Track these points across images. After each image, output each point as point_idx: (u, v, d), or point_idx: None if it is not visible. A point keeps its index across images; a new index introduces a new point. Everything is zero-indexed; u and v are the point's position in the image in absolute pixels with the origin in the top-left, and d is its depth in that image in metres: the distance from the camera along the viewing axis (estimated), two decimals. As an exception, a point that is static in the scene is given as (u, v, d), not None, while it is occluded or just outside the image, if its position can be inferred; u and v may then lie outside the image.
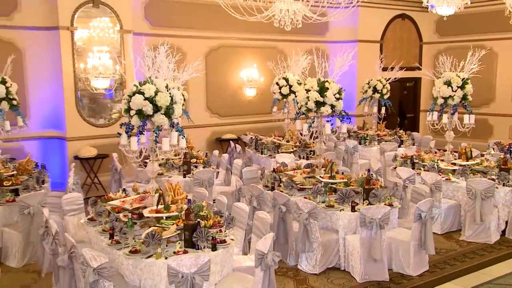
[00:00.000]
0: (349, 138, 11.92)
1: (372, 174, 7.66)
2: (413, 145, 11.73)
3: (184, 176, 8.66)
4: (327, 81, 7.60)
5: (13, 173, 7.90)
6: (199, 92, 12.86)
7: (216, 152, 10.26)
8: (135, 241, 5.37)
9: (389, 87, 12.36)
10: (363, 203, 6.85)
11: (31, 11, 10.44)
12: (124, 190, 6.80)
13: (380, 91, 12.11)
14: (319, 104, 7.50)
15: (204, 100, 12.98)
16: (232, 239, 5.70)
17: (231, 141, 11.75)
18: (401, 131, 12.28)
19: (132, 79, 10.37)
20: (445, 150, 9.48)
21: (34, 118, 10.67)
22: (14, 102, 8.08)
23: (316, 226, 6.61)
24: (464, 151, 8.85)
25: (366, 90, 12.31)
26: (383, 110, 12.58)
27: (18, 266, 6.97)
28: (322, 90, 7.50)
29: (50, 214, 6.91)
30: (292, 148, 10.57)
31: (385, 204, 6.82)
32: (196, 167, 8.99)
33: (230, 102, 13.30)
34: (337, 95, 7.55)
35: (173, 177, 8.65)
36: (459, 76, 8.53)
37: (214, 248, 5.34)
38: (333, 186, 7.33)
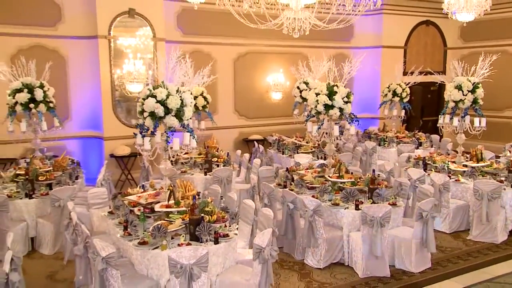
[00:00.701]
0: (370, 140, 11.74)
1: (379, 174, 7.53)
2: (431, 147, 11.39)
3: (205, 174, 8.71)
4: (336, 85, 7.49)
5: (49, 169, 8.15)
6: (228, 95, 12.93)
7: (239, 152, 10.28)
8: (144, 233, 5.45)
9: (408, 91, 12.06)
10: (367, 202, 6.74)
11: (74, 22, 10.75)
12: (142, 186, 6.92)
13: (399, 95, 11.82)
14: (328, 107, 7.42)
15: (232, 103, 13.04)
16: (236, 234, 5.69)
17: (255, 142, 11.74)
18: (420, 133, 11.96)
19: (165, 82, 10.53)
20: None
21: (75, 119, 11.01)
22: (51, 105, 8.29)
23: (320, 223, 6.54)
24: (475, 153, 8.54)
25: (386, 94, 12.04)
26: (402, 113, 12.30)
27: (49, 254, 7.19)
28: (331, 94, 7.41)
29: (79, 207, 7.15)
30: (311, 149, 10.49)
31: (389, 203, 6.68)
32: (217, 165, 9.03)
33: (257, 105, 13.31)
34: (345, 99, 7.42)
35: (195, 175, 8.74)
36: (469, 81, 8.24)
37: (216, 242, 5.37)
38: (341, 185, 7.22)
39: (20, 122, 8.41)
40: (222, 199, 6.61)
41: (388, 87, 12.03)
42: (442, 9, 10.52)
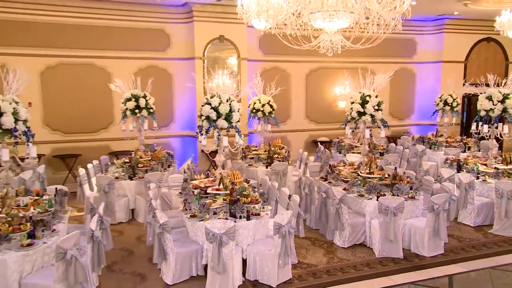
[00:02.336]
0: (423, 144, 11.28)
1: (404, 171, 7.36)
2: (479, 151, 10.61)
3: (266, 167, 9.08)
4: (369, 95, 7.45)
5: (148, 159, 9.09)
6: (300, 104, 13.15)
7: (300, 150, 10.49)
8: (195, 209, 6.02)
9: (459, 101, 11.35)
10: (389, 195, 6.66)
11: (178, 47, 11.69)
12: (207, 174, 7.50)
13: (450, 104, 11.17)
14: (360, 114, 7.41)
15: (304, 110, 13.23)
16: (267, 214, 6.00)
17: (319, 143, 11.86)
18: (469, 139, 11.20)
19: (247, 95, 11.15)
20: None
21: (177, 122, 11.99)
22: (151, 110, 9.12)
23: (345, 210, 6.61)
24: (504, 157, 7.92)
25: (438, 103, 11.46)
26: (453, 120, 11.61)
27: (142, 222, 8.01)
28: (364, 102, 7.39)
29: (165, 188, 7.93)
30: (363, 149, 10.38)
31: (408, 197, 6.57)
32: (279, 161, 9.36)
33: (325, 112, 13.33)
34: (376, 107, 7.35)
35: (258, 168, 9.14)
36: (500, 92, 7.69)
37: (248, 219, 5.75)
38: (369, 180, 7.19)
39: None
40: (261, 185, 6.96)
41: (440, 97, 11.45)
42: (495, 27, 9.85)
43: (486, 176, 7.63)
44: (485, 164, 8.08)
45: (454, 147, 10.57)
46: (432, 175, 8.58)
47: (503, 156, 8.03)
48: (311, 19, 6.65)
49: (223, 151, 6.77)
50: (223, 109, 6.37)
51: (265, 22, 7.41)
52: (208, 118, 6.46)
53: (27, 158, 5.86)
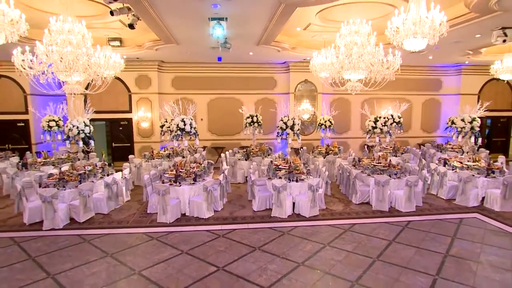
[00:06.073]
0: (436, 148, 11.45)
1: (399, 163, 8.30)
2: (473, 154, 10.47)
3: (324, 158, 10.63)
4: (380, 117, 8.61)
5: (257, 150, 11.43)
6: (357, 121, 14.02)
7: (350, 149, 11.70)
8: (270, 175, 8.11)
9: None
10: (384, 175, 7.82)
11: (280, 86, 13.76)
12: (284, 159, 9.51)
13: (455, 123, 11.12)
14: (373, 128, 8.61)
15: (359, 124, 14.10)
16: (308, 180, 7.75)
17: (365, 146, 12.82)
18: (466, 146, 11.01)
19: (320, 115, 12.80)
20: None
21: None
22: (260, 123, 11.47)
23: (358, 182, 8.00)
24: (473, 157, 8.24)
25: (447, 122, 11.46)
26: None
27: (251, 183, 10.48)
28: (376, 121, 8.58)
29: (263, 165, 10.16)
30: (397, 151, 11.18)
31: (396, 177, 7.67)
32: (333, 155, 10.81)
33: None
34: (383, 123, 8.47)
35: (319, 158, 10.74)
36: (470, 116, 8.15)
37: (297, 181, 7.65)
38: (376, 167, 8.37)
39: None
40: (308, 164, 8.70)
41: (449, 119, 11.46)
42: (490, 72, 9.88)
43: (457, 168, 8.14)
44: (461, 162, 8.51)
45: (455, 151, 10.69)
46: (427, 167, 9.22)
47: (473, 157, 8.36)
48: (342, 74, 8.26)
49: (291, 147, 8.74)
50: (289, 123, 8.38)
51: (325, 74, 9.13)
52: (281, 128, 8.53)
53: (193, 146, 8.67)
